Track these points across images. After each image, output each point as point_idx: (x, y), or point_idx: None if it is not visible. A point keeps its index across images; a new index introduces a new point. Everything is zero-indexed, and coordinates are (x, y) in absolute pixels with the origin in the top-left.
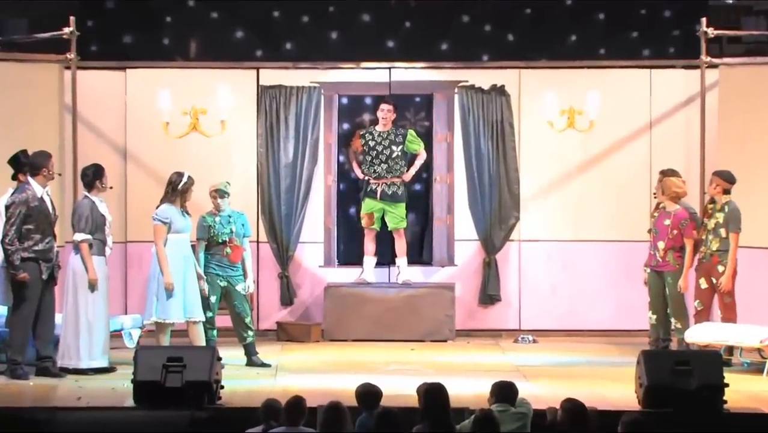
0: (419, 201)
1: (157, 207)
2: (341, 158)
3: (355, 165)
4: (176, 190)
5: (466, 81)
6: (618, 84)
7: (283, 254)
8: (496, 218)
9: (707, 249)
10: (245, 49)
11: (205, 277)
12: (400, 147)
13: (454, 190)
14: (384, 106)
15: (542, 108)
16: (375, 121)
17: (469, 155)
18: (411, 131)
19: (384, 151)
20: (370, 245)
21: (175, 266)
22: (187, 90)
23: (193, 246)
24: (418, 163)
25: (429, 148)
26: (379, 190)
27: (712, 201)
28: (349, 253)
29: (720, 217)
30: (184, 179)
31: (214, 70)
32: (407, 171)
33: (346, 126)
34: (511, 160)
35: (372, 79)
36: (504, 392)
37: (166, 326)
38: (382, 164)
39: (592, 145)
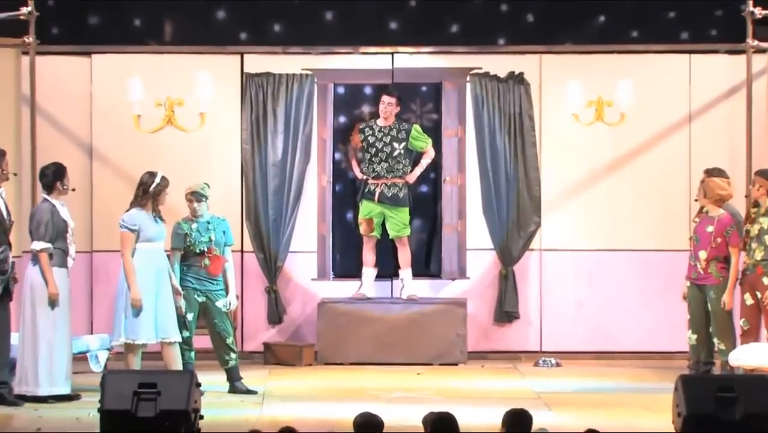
0: (426, 205)
1: (126, 212)
2: (337, 156)
3: (354, 163)
4: (148, 192)
5: (480, 68)
6: (653, 71)
7: (271, 266)
8: (514, 224)
9: (751, 259)
10: (228, 31)
11: (181, 292)
12: (404, 144)
13: (465, 192)
14: (386, 98)
15: (566, 99)
16: (376, 115)
17: (483, 153)
18: (416, 126)
19: (384, 149)
20: (369, 255)
21: (145, 279)
22: (161, 78)
23: (168, 256)
24: (425, 162)
25: (437, 145)
26: (377, 191)
27: (756, 204)
28: (346, 264)
29: (765, 222)
30: (157, 180)
31: (192, 56)
32: (411, 171)
33: (342, 119)
34: (531, 158)
35: (372, 66)
36: (516, 419)
37: (137, 347)
38: (383, 163)
39: (623, 141)
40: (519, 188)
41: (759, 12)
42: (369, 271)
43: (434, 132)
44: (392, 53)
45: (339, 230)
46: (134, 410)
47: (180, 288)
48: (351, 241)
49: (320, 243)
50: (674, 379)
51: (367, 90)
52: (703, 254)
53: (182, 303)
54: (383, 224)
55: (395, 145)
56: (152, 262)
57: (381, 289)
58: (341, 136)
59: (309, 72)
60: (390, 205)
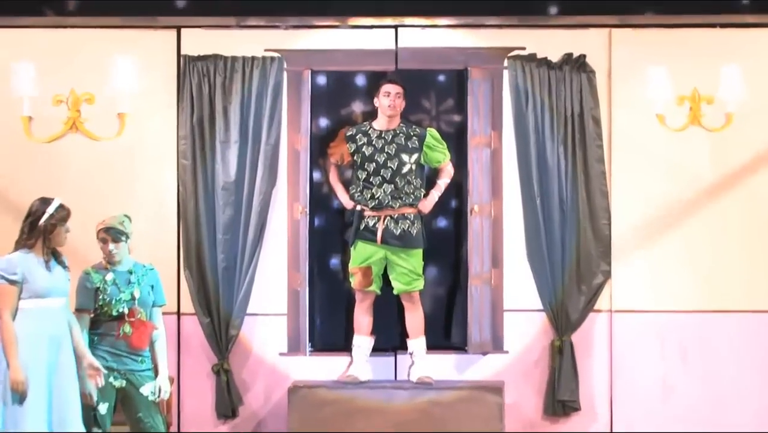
0: (445, 246)
1: (5, 256)
2: (317, 175)
3: (339, 186)
4: (37, 227)
5: (523, 48)
6: None
7: (221, 335)
8: (573, 273)
9: None
10: None
11: (100, 368)
12: (416, 156)
13: (502, 228)
14: (389, 88)
15: (647, 93)
16: (373, 114)
17: (527, 171)
18: (432, 131)
19: (388, 164)
20: (364, 319)
21: (34, 352)
22: (62, 64)
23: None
24: (443, 183)
25: (462, 159)
26: (379, 228)
27: None
28: (329, 332)
29: None
30: (51, 210)
31: (106, 32)
32: (426, 197)
33: (324, 122)
34: (597, 178)
35: (367, 46)
36: None
37: None
38: (386, 185)
39: (729, 153)
40: (579, 222)
41: None
42: (363, 341)
43: (456, 141)
44: (396, 26)
45: (320, 282)
46: None
47: (96, 363)
48: (337, 298)
49: (292, 302)
50: None
51: (359, 80)
52: None
53: (91, 388)
54: (385, 274)
55: (404, 157)
56: (44, 327)
57: (380, 368)
58: (323, 147)
59: (275, 54)
60: (398, 247)
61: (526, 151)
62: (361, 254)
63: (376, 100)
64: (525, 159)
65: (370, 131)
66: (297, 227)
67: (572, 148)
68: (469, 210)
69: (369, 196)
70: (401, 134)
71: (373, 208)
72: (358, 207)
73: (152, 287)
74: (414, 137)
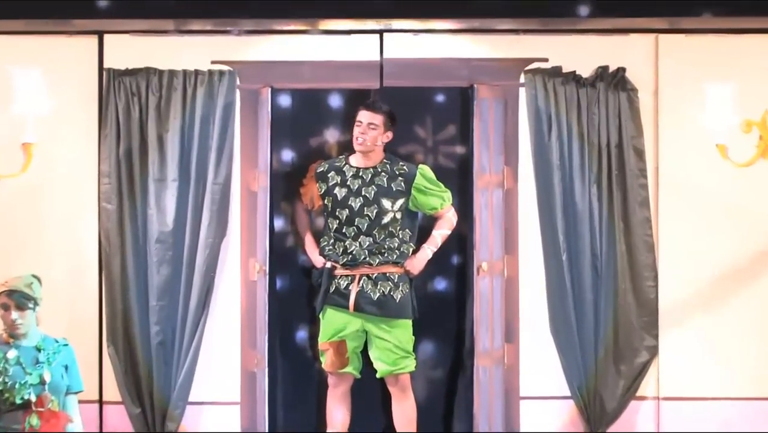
0: (444, 315)
1: None
2: (279, 223)
3: (308, 239)
4: None
5: (545, 59)
6: None
7: (156, 429)
8: (609, 350)
9: None
10: None
11: None
12: (400, 202)
13: (518, 291)
14: (365, 115)
15: (704, 117)
16: (349, 147)
17: (551, 218)
18: (423, 169)
19: (365, 211)
20: (338, 410)
21: None
22: None
23: None
24: (440, 235)
25: (466, 204)
26: (353, 290)
27: None
28: (294, 425)
29: None
30: None
31: (5, 39)
32: (416, 253)
33: (287, 155)
34: (640, 227)
35: (345, 56)
36: None
37: None
38: (362, 237)
39: None
40: (618, 284)
41: None
42: None
43: (459, 179)
44: (381, 31)
45: (282, 362)
46: None
47: None
48: (305, 383)
49: (247, 387)
50: None
51: (335, 100)
52: None
53: None
54: (364, 351)
55: (385, 204)
56: None
57: None
58: (287, 187)
59: (226, 68)
60: (378, 316)
61: (548, 193)
62: (332, 324)
63: (357, 128)
64: (547, 203)
65: (345, 168)
66: (253, 291)
67: (608, 189)
68: (475, 269)
69: (341, 249)
70: (383, 173)
71: (345, 266)
72: (329, 264)
73: (66, 367)
74: (400, 177)
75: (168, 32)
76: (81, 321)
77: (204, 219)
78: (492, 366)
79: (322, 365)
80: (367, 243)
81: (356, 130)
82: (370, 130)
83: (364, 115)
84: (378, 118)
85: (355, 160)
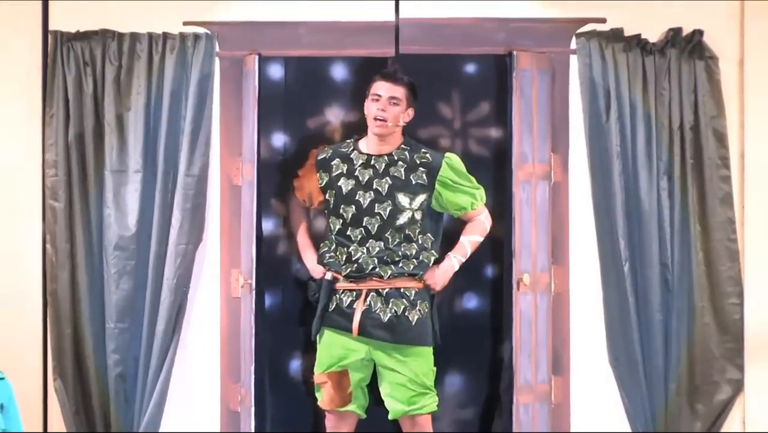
0: (476, 340)
1: None
2: (268, 225)
3: (306, 243)
4: None
5: (603, 20)
6: None
7: None
8: (683, 384)
9: None
10: None
11: None
12: (421, 198)
13: (568, 311)
14: (378, 89)
15: None
16: (361, 127)
17: (610, 219)
18: (450, 158)
19: (376, 208)
20: None
21: None
22: None
23: None
24: (469, 241)
25: (502, 201)
26: (357, 308)
27: None
28: None
29: None
30: None
31: None
32: (439, 263)
33: (280, 140)
34: (722, 229)
35: (350, 17)
36: None
37: None
38: (371, 241)
39: None
40: (693, 302)
41: None
42: None
43: (495, 171)
44: None
45: (272, 398)
46: None
47: None
48: (299, 424)
49: (229, 428)
50: None
51: (339, 71)
52: None
53: None
54: (372, 384)
55: (401, 200)
56: None
57: None
58: (278, 179)
59: (202, 30)
60: (388, 342)
61: (606, 188)
62: (331, 351)
63: (366, 105)
64: (605, 200)
65: (353, 155)
66: (237, 310)
67: (681, 183)
68: (514, 283)
69: (344, 258)
70: (401, 162)
71: (348, 277)
72: (328, 275)
73: (1, 406)
74: (421, 168)
75: None
76: (21, 349)
77: (175, 220)
78: (536, 403)
79: (319, 402)
80: (377, 249)
81: (373, 107)
82: (392, 106)
83: (382, 87)
84: (400, 91)
85: (366, 145)
